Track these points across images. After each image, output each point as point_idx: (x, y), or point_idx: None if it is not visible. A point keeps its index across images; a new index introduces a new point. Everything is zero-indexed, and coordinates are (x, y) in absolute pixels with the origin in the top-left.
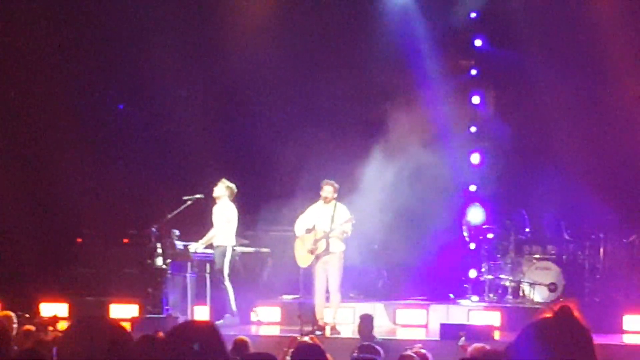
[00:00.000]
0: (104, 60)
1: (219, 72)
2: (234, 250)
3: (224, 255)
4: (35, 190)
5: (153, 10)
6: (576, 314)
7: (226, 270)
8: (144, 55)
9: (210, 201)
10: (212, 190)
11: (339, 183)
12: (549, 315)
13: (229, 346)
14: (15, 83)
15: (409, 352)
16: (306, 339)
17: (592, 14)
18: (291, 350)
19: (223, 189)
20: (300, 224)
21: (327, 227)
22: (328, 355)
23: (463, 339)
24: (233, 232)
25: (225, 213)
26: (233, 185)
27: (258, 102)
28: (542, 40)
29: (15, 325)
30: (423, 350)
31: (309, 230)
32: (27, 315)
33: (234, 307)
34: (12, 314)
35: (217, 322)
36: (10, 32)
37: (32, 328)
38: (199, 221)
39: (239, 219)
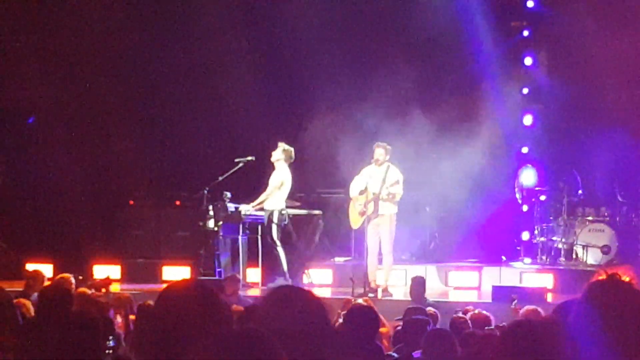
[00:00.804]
0: (152, 24)
1: (273, 30)
2: (281, 213)
3: (271, 219)
4: (88, 153)
5: None
6: (629, 278)
7: (275, 234)
8: (193, 18)
9: (260, 163)
10: (264, 152)
11: (391, 145)
12: (601, 278)
13: None
14: (65, 52)
15: (460, 315)
16: (360, 301)
17: None
18: (344, 312)
19: (280, 153)
20: (354, 186)
21: (377, 189)
22: (381, 317)
23: (516, 301)
24: (284, 196)
25: (279, 177)
26: (290, 149)
27: (312, 62)
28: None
29: (72, 287)
30: (485, 312)
31: (362, 192)
32: (81, 277)
33: (285, 269)
34: (70, 276)
35: (270, 285)
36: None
37: (87, 290)
38: (250, 183)
39: (292, 183)
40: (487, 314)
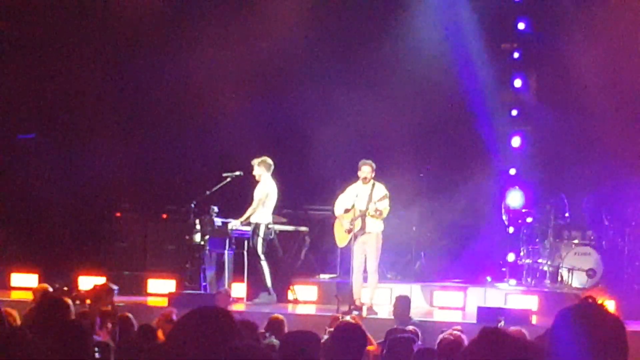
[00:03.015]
0: (143, 37)
1: (258, 47)
2: (267, 227)
3: (257, 233)
4: (74, 164)
5: None
6: (603, 301)
7: (260, 249)
8: (183, 32)
9: (248, 178)
10: (251, 167)
11: (377, 163)
12: (577, 302)
13: (264, 324)
14: (51, 59)
15: (446, 335)
16: (348, 318)
17: None
18: (330, 329)
19: (258, 168)
20: (339, 204)
21: (363, 206)
22: (368, 335)
23: (502, 323)
24: (269, 210)
25: (263, 189)
26: (265, 158)
27: (298, 78)
28: (586, 23)
29: None
30: (457, 332)
31: (347, 210)
32: (66, 288)
33: (269, 284)
34: (48, 286)
35: (254, 300)
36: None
37: (70, 301)
38: (238, 198)
39: (278, 197)
40: (459, 333)
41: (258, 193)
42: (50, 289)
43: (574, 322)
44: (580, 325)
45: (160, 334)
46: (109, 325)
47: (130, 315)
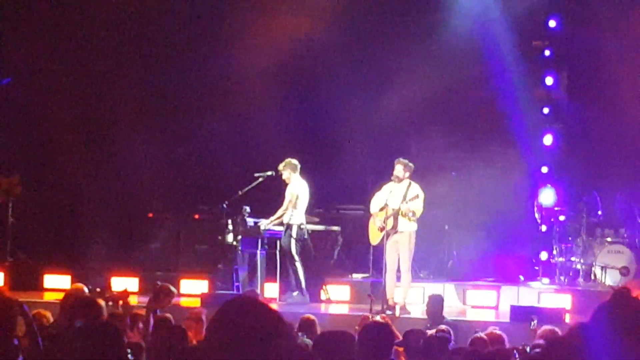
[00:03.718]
0: (178, 37)
1: (288, 46)
2: (300, 228)
3: (290, 234)
4: (107, 166)
5: None
6: (638, 294)
7: (294, 249)
8: (217, 35)
9: (279, 178)
10: (279, 174)
11: (411, 162)
12: (612, 293)
13: (296, 324)
14: (84, 61)
15: (480, 334)
16: (377, 318)
17: None
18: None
19: (284, 171)
20: (375, 202)
21: (396, 205)
22: (397, 334)
23: (535, 322)
24: (301, 211)
25: (292, 192)
26: (290, 159)
27: (329, 78)
28: (617, 20)
29: None
30: (498, 332)
31: (381, 208)
32: (99, 290)
33: (303, 284)
34: (83, 286)
35: (287, 300)
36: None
37: (102, 302)
38: (270, 198)
39: (310, 197)
40: (499, 332)
41: (287, 194)
42: (86, 289)
43: (610, 316)
44: (616, 319)
45: (190, 335)
46: (140, 325)
47: (169, 316)
